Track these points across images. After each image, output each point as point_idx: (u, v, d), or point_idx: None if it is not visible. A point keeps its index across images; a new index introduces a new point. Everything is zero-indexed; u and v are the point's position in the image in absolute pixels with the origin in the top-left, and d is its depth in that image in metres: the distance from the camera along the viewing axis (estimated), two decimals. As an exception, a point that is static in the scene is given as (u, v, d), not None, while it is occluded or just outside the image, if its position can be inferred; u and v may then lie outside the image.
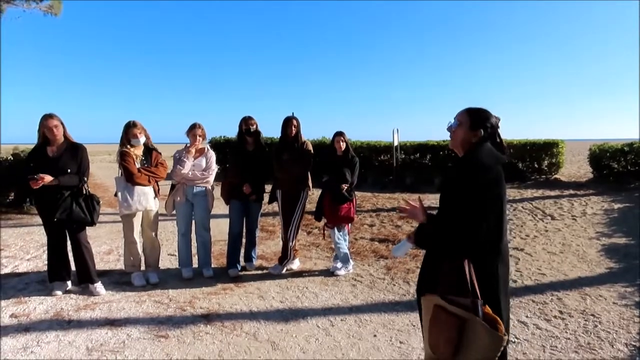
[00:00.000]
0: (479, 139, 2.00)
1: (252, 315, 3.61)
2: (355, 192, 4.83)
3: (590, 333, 3.27)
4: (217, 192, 4.82)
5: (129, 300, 3.88)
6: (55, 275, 4.07)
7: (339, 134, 4.71)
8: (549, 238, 6.16)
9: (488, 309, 1.83)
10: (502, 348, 1.71)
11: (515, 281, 4.43)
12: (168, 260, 5.26)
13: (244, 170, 4.67)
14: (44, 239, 6.01)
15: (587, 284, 4.33)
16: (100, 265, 4.98)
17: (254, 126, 4.73)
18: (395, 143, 11.82)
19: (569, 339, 3.18)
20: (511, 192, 9.92)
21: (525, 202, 8.64)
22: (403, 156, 12.31)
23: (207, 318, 3.53)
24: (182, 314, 3.62)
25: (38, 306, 3.73)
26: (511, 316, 3.45)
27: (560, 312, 3.65)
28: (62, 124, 3.94)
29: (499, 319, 1.80)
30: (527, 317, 3.56)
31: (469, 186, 1.87)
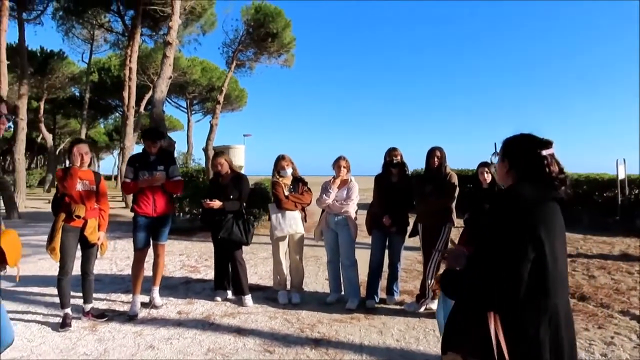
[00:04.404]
0: (507, 171, 1.66)
1: (359, 349, 3.55)
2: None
3: None
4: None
5: (265, 315, 4.31)
6: (219, 284, 4.86)
7: (484, 165, 4.27)
8: None
9: None
10: None
11: None
12: (324, 283, 5.57)
13: (386, 201, 4.69)
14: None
15: None
16: (265, 281, 5.66)
17: (398, 157, 4.73)
18: (621, 176, 9.71)
19: None
20: None
21: None
22: (635, 192, 9.99)
23: (317, 343, 3.64)
24: (299, 334, 3.82)
25: (199, 308, 4.51)
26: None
27: None
28: (226, 160, 4.75)
29: None
30: None
31: (498, 225, 1.56)
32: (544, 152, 1.62)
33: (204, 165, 15.57)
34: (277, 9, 16.76)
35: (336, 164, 4.79)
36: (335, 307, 4.59)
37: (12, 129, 16.73)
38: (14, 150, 14.77)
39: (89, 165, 4.07)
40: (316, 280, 5.76)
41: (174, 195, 4.69)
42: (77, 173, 3.85)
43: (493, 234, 1.54)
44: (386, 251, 4.85)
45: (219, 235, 4.57)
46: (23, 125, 14.71)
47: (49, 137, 23.39)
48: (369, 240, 4.96)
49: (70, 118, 33.14)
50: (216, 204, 4.54)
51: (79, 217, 3.83)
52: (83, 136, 21.98)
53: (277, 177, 4.78)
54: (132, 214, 4.45)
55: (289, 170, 4.77)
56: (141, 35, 16.26)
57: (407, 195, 4.69)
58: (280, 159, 4.78)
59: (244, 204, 4.72)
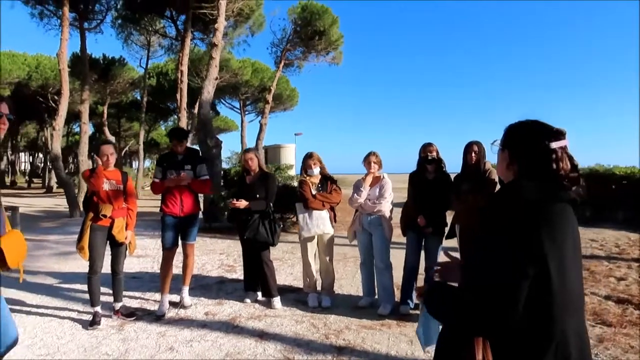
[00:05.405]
0: (508, 164, 1.38)
1: (384, 359, 3.31)
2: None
3: None
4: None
5: (291, 319, 4.16)
6: (248, 285, 4.77)
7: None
8: None
9: None
10: None
11: None
12: (360, 286, 5.34)
13: (421, 200, 4.40)
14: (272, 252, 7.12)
15: None
16: (300, 282, 5.50)
17: (434, 153, 4.42)
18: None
19: None
20: None
21: None
22: None
23: (340, 351, 3.43)
24: (323, 341, 3.64)
25: (227, 309, 4.44)
26: None
27: None
28: (256, 156, 4.65)
29: None
30: None
31: (492, 231, 1.29)
32: (553, 145, 1.32)
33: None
34: (324, 7, 16.65)
35: (366, 160, 4.56)
36: (366, 312, 4.35)
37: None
38: (77, 152, 15.70)
39: (115, 165, 4.11)
40: (352, 282, 5.54)
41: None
42: (103, 173, 3.89)
43: (485, 242, 1.28)
44: (422, 253, 4.56)
45: (244, 235, 4.49)
46: (86, 128, 15.59)
47: (112, 140, 24.72)
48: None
49: (133, 121, 34.82)
50: (242, 203, 4.45)
51: (105, 216, 3.87)
52: (141, 138, 23.07)
53: (305, 175, 4.62)
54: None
55: (317, 170, 4.60)
56: (193, 39, 16.70)
57: (443, 193, 4.36)
58: (307, 157, 4.62)
59: (271, 204, 4.59)
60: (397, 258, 4.71)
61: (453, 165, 4.66)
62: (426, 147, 4.45)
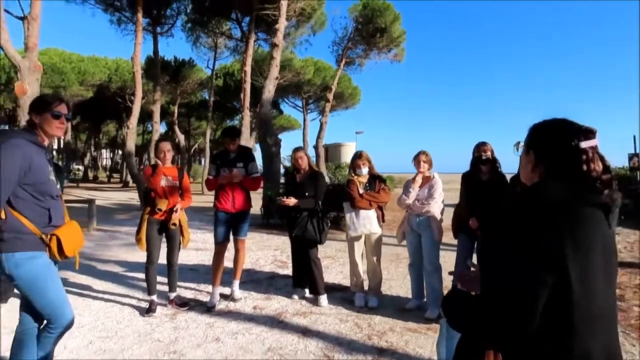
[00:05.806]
0: (534, 166, 1.29)
1: (426, 364, 3.22)
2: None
3: None
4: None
5: (336, 317, 4.17)
6: (297, 282, 4.84)
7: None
8: None
9: None
10: None
11: None
12: (410, 288, 5.25)
13: (474, 201, 4.23)
14: (325, 250, 7.17)
15: None
16: (348, 281, 5.50)
17: (488, 153, 4.23)
18: None
19: None
20: None
21: None
22: None
23: (381, 353, 3.39)
24: (365, 342, 3.61)
25: (274, 304, 4.53)
26: None
27: None
28: (306, 155, 4.71)
29: None
30: None
31: (510, 235, 1.23)
32: (583, 145, 1.22)
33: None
34: (385, 3, 16.44)
35: (416, 159, 4.46)
36: (413, 315, 4.26)
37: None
38: (149, 149, 16.73)
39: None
40: (402, 283, 5.44)
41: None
42: (162, 170, 4.13)
43: (503, 245, 1.21)
44: (474, 256, 4.38)
45: (292, 233, 4.56)
46: (157, 127, 16.54)
47: (181, 138, 26.04)
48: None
49: (202, 120, 36.48)
50: (291, 201, 4.52)
51: (160, 210, 4.09)
52: (208, 136, 24.09)
53: (353, 175, 4.61)
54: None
55: (365, 169, 4.57)
56: (256, 39, 17.15)
57: (498, 195, 4.16)
58: (356, 157, 4.61)
59: (320, 202, 4.63)
60: (450, 261, 4.56)
61: (509, 165, 4.42)
62: (480, 147, 4.27)
